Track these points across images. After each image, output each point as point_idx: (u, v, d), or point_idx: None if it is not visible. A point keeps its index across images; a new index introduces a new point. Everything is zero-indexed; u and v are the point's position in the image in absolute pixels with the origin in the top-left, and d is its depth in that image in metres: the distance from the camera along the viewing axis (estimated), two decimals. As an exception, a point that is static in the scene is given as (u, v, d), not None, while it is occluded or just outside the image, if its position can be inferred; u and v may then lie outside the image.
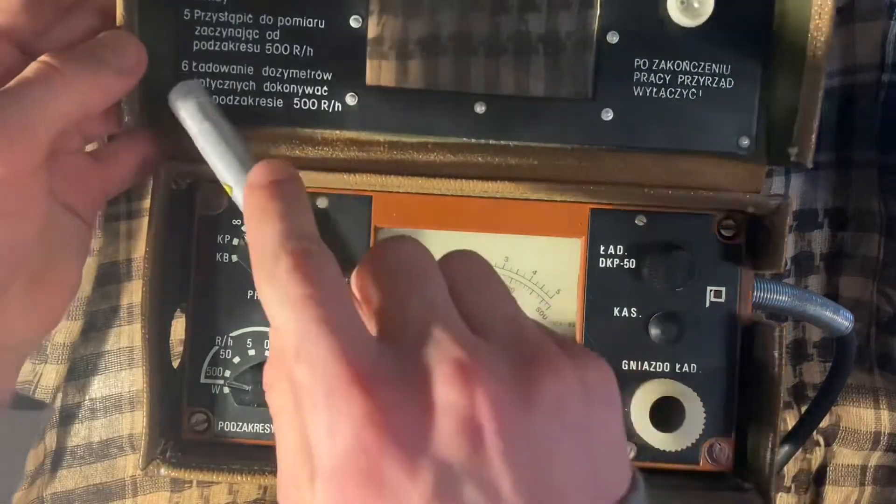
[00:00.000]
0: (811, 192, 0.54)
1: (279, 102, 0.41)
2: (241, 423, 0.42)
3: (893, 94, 0.52)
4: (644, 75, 0.41)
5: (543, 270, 0.43)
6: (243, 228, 0.42)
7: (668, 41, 0.41)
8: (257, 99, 0.41)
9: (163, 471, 0.40)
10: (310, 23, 0.41)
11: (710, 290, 0.43)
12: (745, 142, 0.42)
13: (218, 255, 0.42)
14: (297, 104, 0.41)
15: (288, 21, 0.41)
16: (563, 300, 0.43)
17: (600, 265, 0.43)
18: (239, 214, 0.42)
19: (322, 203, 0.42)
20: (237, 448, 0.42)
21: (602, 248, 0.43)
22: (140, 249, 0.51)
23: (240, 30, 0.41)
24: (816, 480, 0.54)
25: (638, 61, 0.41)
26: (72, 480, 0.52)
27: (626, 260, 0.43)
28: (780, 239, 0.41)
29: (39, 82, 0.34)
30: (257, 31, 0.41)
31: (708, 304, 0.43)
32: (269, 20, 0.41)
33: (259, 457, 0.41)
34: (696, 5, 0.40)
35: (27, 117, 0.33)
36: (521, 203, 0.42)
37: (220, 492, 0.53)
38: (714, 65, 0.41)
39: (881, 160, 0.53)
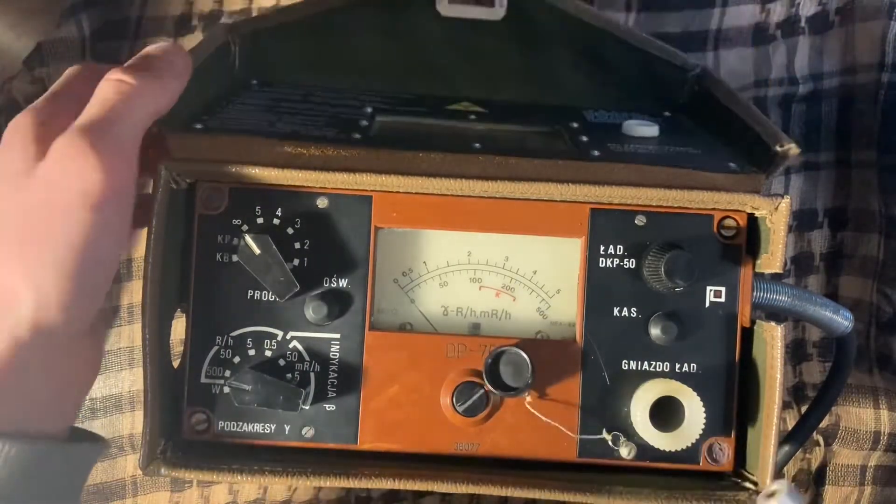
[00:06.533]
0: (811, 192, 0.54)
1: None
2: (241, 423, 0.42)
3: (893, 94, 0.52)
4: None
5: (543, 270, 0.43)
6: (244, 228, 0.42)
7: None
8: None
9: (163, 471, 0.40)
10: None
11: (710, 290, 0.43)
12: None
13: (218, 255, 0.42)
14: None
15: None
16: (563, 300, 0.43)
17: (600, 265, 0.43)
18: (239, 214, 0.42)
19: (322, 203, 0.42)
20: (237, 448, 0.42)
21: (602, 248, 0.43)
22: (140, 249, 0.51)
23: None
24: (816, 480, 0.54)
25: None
26: (72, 480, 0.52)
27: (626, 260, 0.43)
28: (780, 239, 0.41)
29: (120, 98, 0.36)
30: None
31: (708, 304, 0.43)
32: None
33: (259, 457, 0.41)
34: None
35: (118, 133, 0.36)
36: (521, 203, 0.42)
37: (220, 492, 0.53)
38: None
39: (881, 160, 0.53)
